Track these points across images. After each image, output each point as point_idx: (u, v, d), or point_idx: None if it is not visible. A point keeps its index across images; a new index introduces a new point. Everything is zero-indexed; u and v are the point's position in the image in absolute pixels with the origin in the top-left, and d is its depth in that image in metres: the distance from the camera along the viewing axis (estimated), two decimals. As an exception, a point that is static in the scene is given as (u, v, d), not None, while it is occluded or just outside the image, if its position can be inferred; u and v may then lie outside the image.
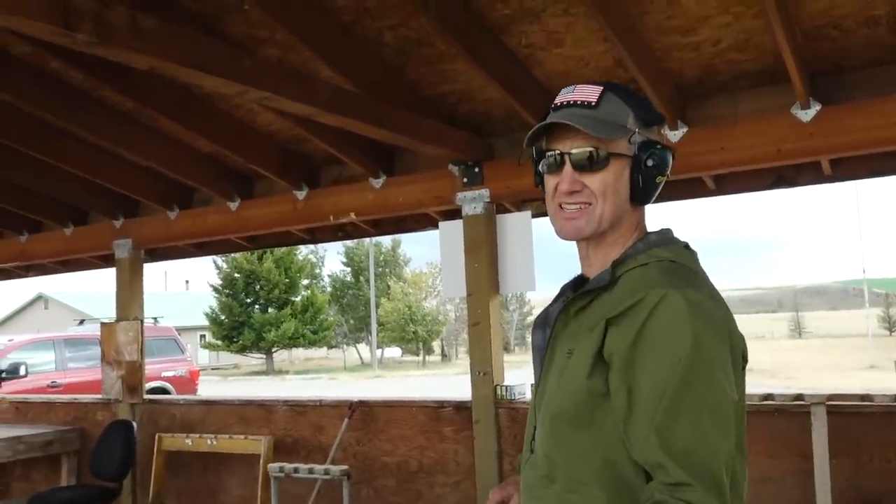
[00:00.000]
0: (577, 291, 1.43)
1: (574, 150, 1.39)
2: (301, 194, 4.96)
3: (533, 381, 1.58)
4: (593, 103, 1.40)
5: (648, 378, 1.25)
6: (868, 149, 3.51)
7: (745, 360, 1.36)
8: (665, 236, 1.45)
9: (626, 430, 1.28)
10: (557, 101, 1.44)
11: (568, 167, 1.40)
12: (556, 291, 1.58)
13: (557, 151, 1.41)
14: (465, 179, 4.39)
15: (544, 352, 1.46)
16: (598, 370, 1.31)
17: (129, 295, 5.85)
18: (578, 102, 1.40)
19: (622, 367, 1.28)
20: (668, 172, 1.44)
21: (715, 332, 1.28)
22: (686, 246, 1.45)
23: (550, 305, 1.54)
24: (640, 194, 1.42)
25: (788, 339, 52.83)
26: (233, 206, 5.25)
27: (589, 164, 1.39)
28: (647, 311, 1.27)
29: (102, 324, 6.11)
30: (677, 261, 1.38)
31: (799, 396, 3.66)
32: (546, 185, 1.46)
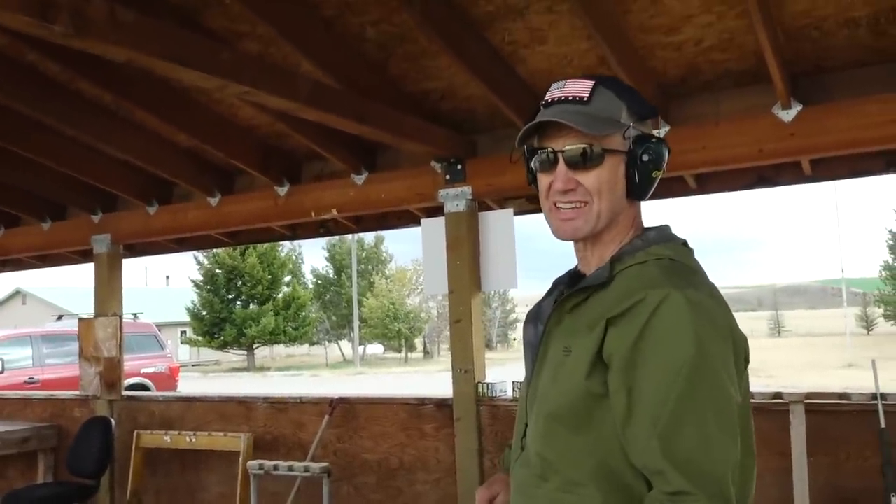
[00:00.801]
0: (574, 288, 1.40)
1: (567, 148, 1.36)
2: (282, 190, 4.92)
3: (522, 378, 1.55)
4: (585, 98, 1.36)
5: (650, 381, 1.22)
6: (848, 149, 3.53)
7: (747, 360, 1.33)
8: (664, 233, 1.42)
9: (625, 434, 1.25)
10: (548, 97, 1.40)
11: (562, 165, 1.37)
12: (541, 289, 1.56)
13: (550, 149, 1.38)
14: (447, 176, 4.38)
15: (537, 348, 1.43)
16: (597, 371, 1.28)
17: (108, 291, 5.79)
18: (570, 98, 1.37)
19: (622, 369, 1.25)
20: (664, 167, 1.41)
21: (717, 333, 1.25)
22: (684, 243, 1.43)
23: (543, 300, 1.51)
24: (637, 190, 1.39)
25: (768, 337, 53.33)
26: (213, 201, 5.21)
27: (583, 162, 1.35)
28: (648, 312, 1.24)
29: (80, 320, 6.03)
30: (677, 259, 1.35)
31: (778, 395, 3.68)
32: (539, 183, 1.42)
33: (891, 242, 47.78)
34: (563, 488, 1.31)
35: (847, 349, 30.83)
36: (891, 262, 47.92)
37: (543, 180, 1.41)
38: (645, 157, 1.37)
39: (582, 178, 1.36)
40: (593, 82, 1.38)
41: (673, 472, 1.18)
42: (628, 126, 1.37)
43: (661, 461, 1.19)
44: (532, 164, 1.43)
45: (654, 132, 1.44)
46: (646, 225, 1.46)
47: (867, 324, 51.03)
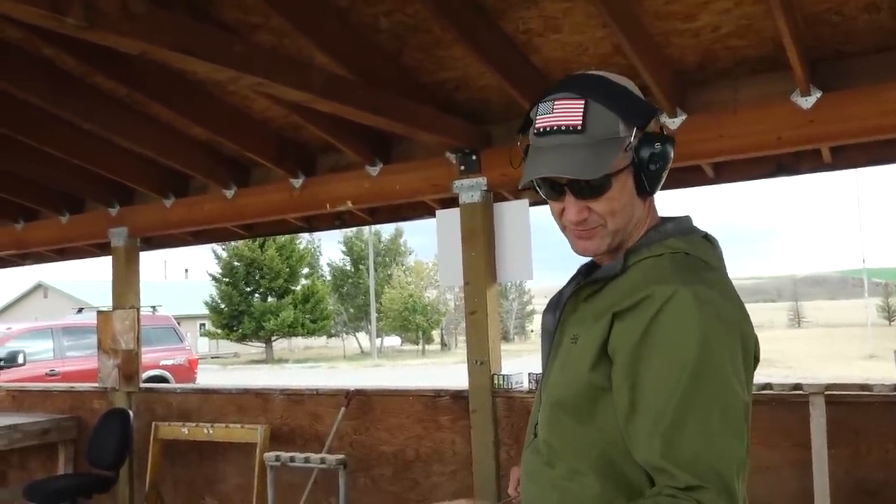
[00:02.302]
0: (588, 278, 1.39)
1: (572, 182, 1.31)
2: (297, 182, 4.92)
3: (538, 370, 1.54)
4: (579, 127, 1.27)
5: (654, 379, 1.20)
6: (868, 136, 3.47)
7: (756, 359, 1.31)
8: (682, 226, 1.39)
9: (628, 430, 1.24)
10: (539, 124, 1.31)
11: (570, 197, 1.32)
12: (557, 280, 1.55)
13: (555, 182, 1.33)
14: (462, 167, 4.36)
15: (552, 335, 1.43)
16: (602, 364, 1.27)
17: (125, 283, 5.83)
18: (563, 128, 1.29)
19: (626, 364, 1.23)
20: (671, 163, 1.37)
21: (726, 332, 1.22)
22: (706, 236, 1.39)
23: (564, 288, 1.51)
24: (647, 190, 1.35)
25: (788, 328, 52.91)
26: (229, 194, 5.22)
27: (590, 192, 1.31)
28: (655, 308, 1.22)
29: (99, 312, 6.08)
30: (692, 253, 1.32)
31: (797, 386, 3.63)
32: (550, 206, 1.39)
33: (913, 232, 47.08)
34: (567, 476, 1.31)
35: (868, 340, 30.50)
36: (913, 251, 47.21)
37: (555, 205, 1.37)
38: (652, 167, 1.33)
39: (593, 206, 1.32)
40: (583, 102, 1.28)
41: (678, 471, 1.16)
42: (628, 141, 1.30)
43: (665, 462, 1.18)
44: (538, 191, 1.38)
45: (657, 127, 1.36)
46: (663, 215, 1.43)
47: (889, 314, 50.48)
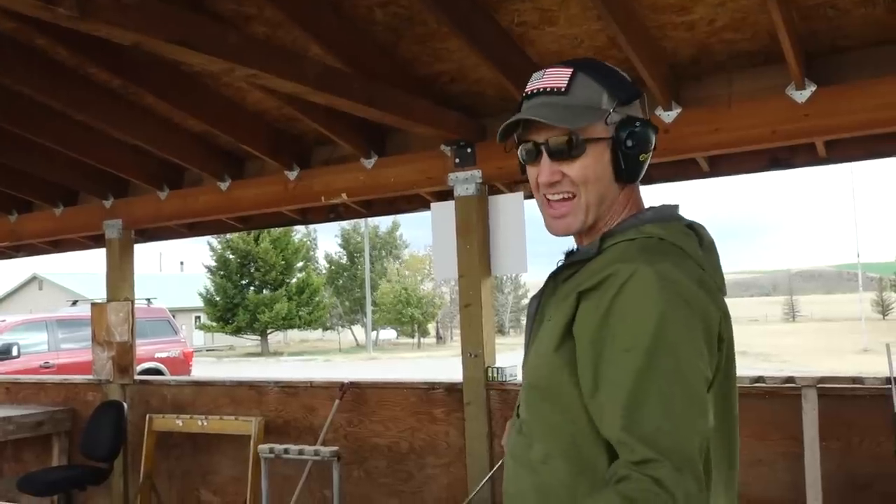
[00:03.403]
0: (566, 260, 1.42)
1: (549, 140, 1.36)
2: (292, 175, 4.91)
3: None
4: (563, 89, 1.35)
5: (615, 354, 1.22)
6: (863, 130, 3.48)
7: (721, 338, 1.30)
8: (663, 213, 1.41)
9: (592, 407, 1.25)
10: (528, 88, 1.40)
11: (545, 158, 1.37)
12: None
13: (532, 142, 1.38)
14: (457, 160, 4.35)
15: (534, 319, 1.46)
16: (566, 344, 1.29)
17: (120, 276, 5.81)
18: (548, 90, 1.36)
19: (589, 343, 1.25)
20: (652, 148, 1.39)
21: (687, 308, 1.23)
22: (690, 225, 1.40)
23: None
24: (625, 174, 1.38)
25: (783, 322, 53.10)
26: (223, 186, 5.21)
27: (566, 153, 1.35)
28: (616, 286, 1.24)
29: (93, 304, 6.07)
30: (667, 239, 1.33)
31: (790, 379, 3.64)
32: (528, 175, 1.43)
33: (907, 227, 47.27)
34: (542, 459, 1.33)
35: (863, 334, 30.61)
36: (907, 246, 47.43)
37: (531, 172, 1.42)
38: (629, 143, 1.35)
39: (566, 169, 1.36)
40: (571, 70, 1.37)
41: (637, 444, 1.16)
42: (609, 112, 1.35)
43: (624, 433, 1.18)
44: (519, 155, 1.44)
45: (641, 113, 1.41)
46: (647, 205, 1.45)
47: (883, 309, 50.69)
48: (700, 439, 1.19)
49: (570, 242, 1.52)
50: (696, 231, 1.40)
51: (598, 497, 1.20)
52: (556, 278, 1.43)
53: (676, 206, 1.44)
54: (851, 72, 3.40)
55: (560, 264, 1.45)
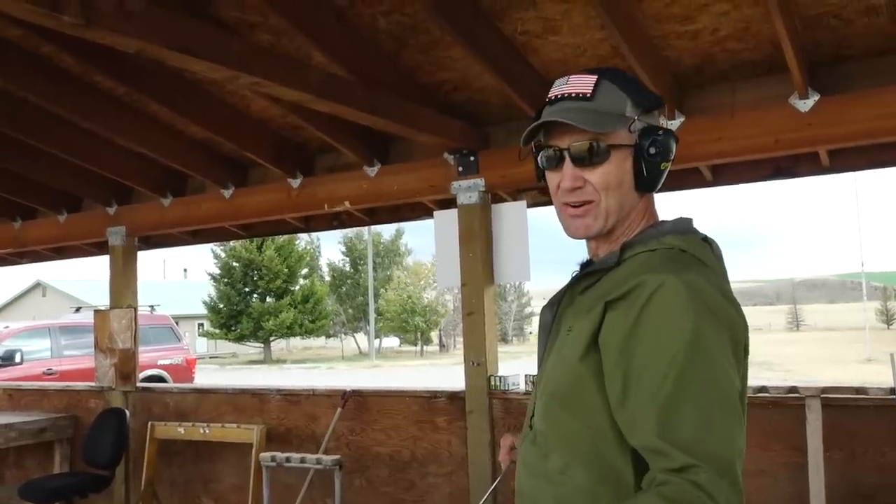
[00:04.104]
0: (584, 270, 1.42)
1: (572, 145, 1.35)
2: (295, 182, 4.92)
3: (535, 371, 1.56)
4: (588, 94, 1.35)
5: (647, 364, 1.20)
6: (866, 140, 3.47)
7: (746, 350, 1.31)
8: (681, 226, 1.40)
9: (622, 416, 1.24)
10: (552, 93, 1.40)
11: (568, 163, 1.36)
12: (557, 281, 1.56)
13: (555, 147, 1.38)
14: (460, 168, 4.35)
15: (549, 329, 1.45)
16: (591, 354, 1.28)
17: (123, 282, 5.82)
18: (573, 95, 1.36)
19: (619, 352, 1.24)
20: (672, 158, 1.40)
21: (715, 318, 1.23)
22: (705, 238, 1.40)
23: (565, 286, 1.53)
24: (646, 183, 1.38)
25: (786, 331, 52.94)
26: (227, 193, 5.22)
27: (588, 159, 1.35)
28: (645, 296, 1.23)
29: (96, 311, 6.07)
30: (688, 251, 1.33)
31: (793, 389, 3.63)
32: (549, 181, 1.42)
33: (912, 236, 47.17)
34: (562, 469, 1.32)
35: (867, 343, 30.51)
36: (912, 255, 47.28)
37: (552, 179, 1.41)
38: (652, 150, 1.35)
39: (588, 176, 1.36)
40: (596, 77, 1.37)
41: (675, 451, 1.14)
42: (633, 119, 1.36)
43: (661, 441, 1.16)
44: (539, 161, 1.43)
45: (662, 122, 1.42)
46: (663, 217, 1.45)
47: (887, 318, 50.53)
48: (738, 450, 1.19)
49: (582, 252, 1.51)
50: (710, 244, 1.40)
51: (636, 500, 1.18)
52: (573, 288, 1.42)
53: (691, 220, 1.44)
54: (854, 81, 3.40)
55: (576, 274, 1.44)
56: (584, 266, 1.48)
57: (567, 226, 1.41)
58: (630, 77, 1.41)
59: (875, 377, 16.46)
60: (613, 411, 1.25)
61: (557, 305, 1.45)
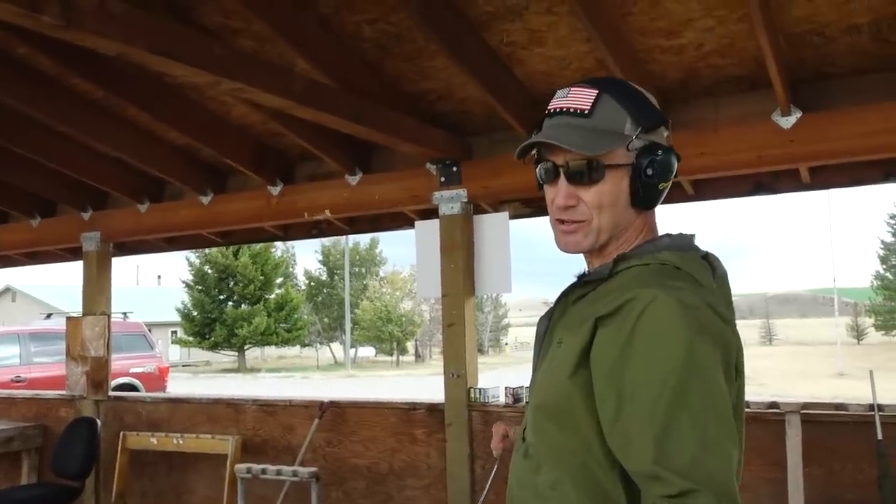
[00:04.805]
0: (578, 281, 1.40)
1: (568, 163, 1.33)
2: (275, 190, 4.87)
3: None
4: (587, 111, 1.32)
5: (641, 384, 1.18)
6: (848, 157, 3.50)
7: (738, 370, 1.28)
8: (679, 242, 1.37)
9: (614, 439, 1.21)
10: (551, 106, 1.37)
11: (563, 180, 1.34)
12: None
13: (551, 163, 1.35)
14: (442, 179, 4.33)
15: (543, 339, 1.43)
16: (581, 371, 1.25)
17: (97, 289, 5.72)
18: (571, 110, 1.33)
19: (611, 372, 1.21)
20: (673, 177, 1.36)
21: (709, 336, 1.21)
22: (705, 256, 1.37)
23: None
24: (642, 201, 1.35)
25: (759, 345, 53.41)
26: (205, 200, 5.15)
27: (583, 178, 1.32)
28: (637, 312, 1.20)
29: (68, 318, 5.96)
30: (683, 268, 1.30)
31: (774, 404, 3.64)
32: (546, 194, 1.40)
33: (882, 252, 48.03)
34: (551, 484, 1.29)
35: (838, 358, 30.87)
36: (882, 272, 48.14)
37: (548, 192, 1.39)
38: (649, 172, 1.32)
39: (583, 194, 1.33)
40: (596, 92, 1.33)
41: (673, 476, 1.12)
42: (631, 138, 1.32)
43: (658, 467, 1.14)
44: (537, 174, 1.41)
45: (663, 139, 1.37)
46: (664, 231, 1.42)
47: (858, 333, 51.15)
48: (735, 468, 1.17)
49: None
50: (710, 263, 1.37)
51: None
52: (566, 299, 1.40)
53: (692, 236, 1.40)
54: (837, 99, 3.43)
55: (569, 285, 1.42)
56: (580, 277, 1.46)
57: (558, 240, 1.39)
58: (632, 91, 1.37)
59: (847, 392, 16.64)
60: (605, 433, 1.22)
61: (551, 316, 1.43)
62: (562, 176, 1.34)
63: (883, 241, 48.01)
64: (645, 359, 1.18)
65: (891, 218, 48.62)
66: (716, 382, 1.19)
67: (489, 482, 2.26)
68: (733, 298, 1.41)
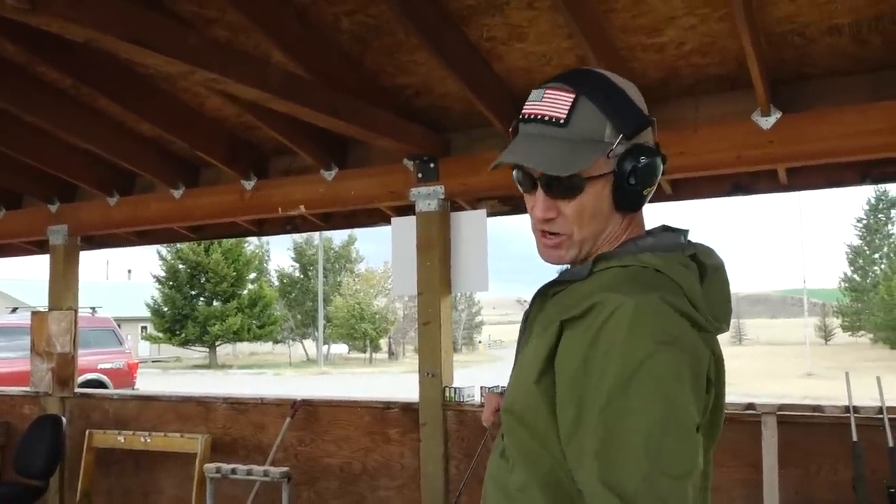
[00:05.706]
0: (558, 277, 1.33)
1: (546, 174, 1.25)
2: (249, 184, 4.78)
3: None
4: (562, 120, 1.22)
5: (596, 395, 1.11)
6: (826, 158, 3.50)
7: (711, 383, 1.22)
8: (663, 242, 1.29)
9: (569, 450, 1.15)
10: (525, 110, 1.28)
11: (540, 192, 1.26)
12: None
13: (528, 175, 1.28)
14: (419, 175, 4.27)
15: (522, 336, 1.37)
16: (546, 376, 1.20)
17: (63, 283, 5.59)
18: (546, 118, 1.23)
19: (572, 379, 1.15)
20: (657, 180, 1.29)
21: (675, 346, 1.13)
22: (693, 256, 1.28)
23: None
24: (627, 206, 1.28)
25: (729, 345, 54.01)
26: (177, 193, 5.04)
27: (562, 192, 1.25)
28: (602, 318, 1.14)
29: (34, 313, 5.82)
30: (664, 272, 1.22)
31: (750, 406, 3.63)
32: (526, 201, 1.33)
33: (850, 255, 48.82)
34: (520, 486, 1.24)
35: (806, 358, 31.29)
36: (849, 273, 48.93)
37: (528, 200, 1.32)
38: (632, 181, 1.24)
39: (563, 207, 1.26)
40: (573, 96, 1.23)
41: (614, 498, 1.06)
42: (611, 147, 1.23)
43: (602, 486, 1.08)
44: (514, 179, 1.33)
45: (650, 138, 1.30)
46: (651, 226, 1.34)
47: (825, 334, 51.97)
48: (690, 487, 1.10)
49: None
50: (699, 262, 1.29)
51: None
52: (544, 295, 1.34)
53: (680, 233, 1.33)
54: (816, 100, 3.43)
55: (546, 282, 1.36)
56: (560, 274, 1.40)
57: (541, 252, 1.33)
58: (613, 91, 1.26)
59: (815, 391, 16.86)
60: (563, 444, 1.17)
61: (529, 312, 1.37)
62: (539, 187, 1.27)
63: (850, 245, 48.82)
64: (602, 369, 1.12)
65: (858, 221, 49.47)
66: (675, 397, 1.12)
67: (468, 473, 2.21)
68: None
